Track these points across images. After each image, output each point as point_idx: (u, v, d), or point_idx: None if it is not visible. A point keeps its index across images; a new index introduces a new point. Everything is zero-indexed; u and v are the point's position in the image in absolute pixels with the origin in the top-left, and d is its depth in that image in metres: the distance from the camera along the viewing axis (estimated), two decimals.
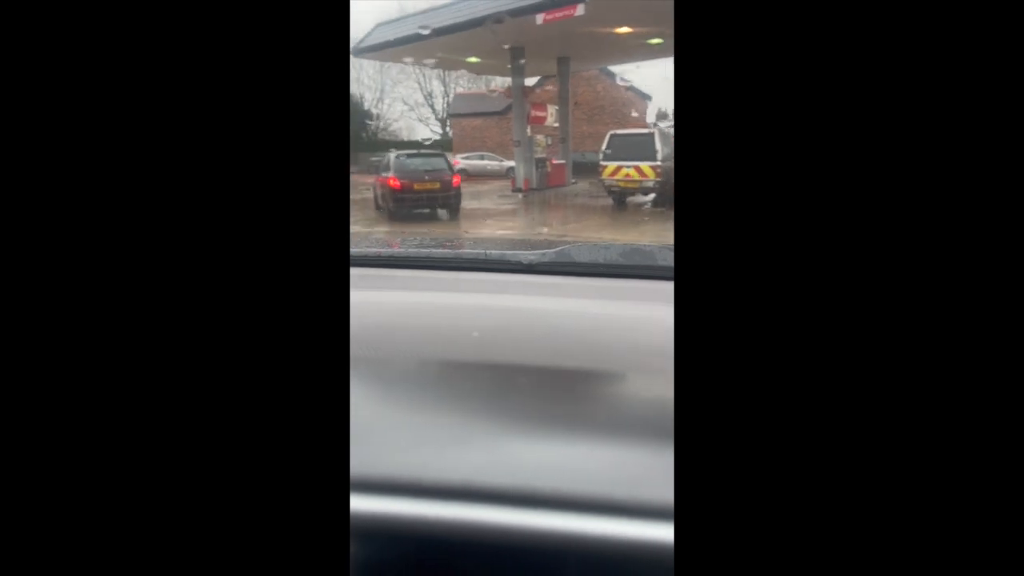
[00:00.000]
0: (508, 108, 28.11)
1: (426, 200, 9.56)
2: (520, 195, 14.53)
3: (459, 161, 25.19)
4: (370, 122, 42.05)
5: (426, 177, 9.50)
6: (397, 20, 13.61)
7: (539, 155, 15.19)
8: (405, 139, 41.11)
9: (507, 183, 17.44)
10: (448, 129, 37.28)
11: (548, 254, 0.98)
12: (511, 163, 16.55)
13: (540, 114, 15.70)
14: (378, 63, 44.46)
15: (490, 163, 24.61)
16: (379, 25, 14.08)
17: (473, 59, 15.34)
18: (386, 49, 14.01)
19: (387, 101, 44.10)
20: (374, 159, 34.10)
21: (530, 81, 15.96)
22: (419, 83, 45.39)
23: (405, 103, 46.03)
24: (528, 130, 14.82)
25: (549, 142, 15.89)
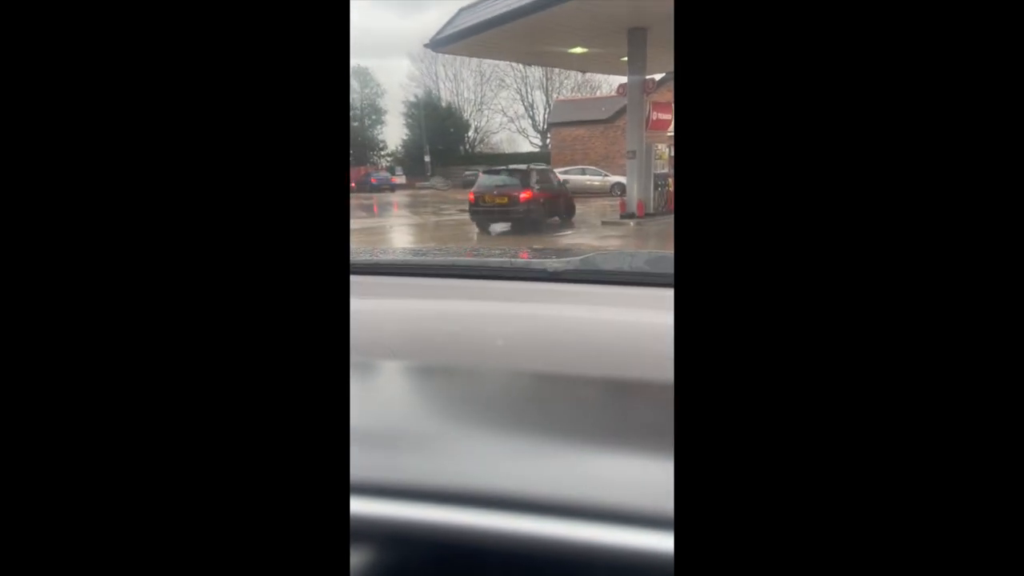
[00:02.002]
0: (618, 114, 24.98)
1: (496, 213, 10.54)
2: (632, 223, 11.22)
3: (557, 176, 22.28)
4: (468, 135, 40.56)
5: (495, 192, 10.50)
6: (484, 1, 10.84)
7: (659, 170, 11.82)
8: (507, 151, 39.29)
9: (613, 204, 14.21)
10: (548, 140, 34.64)
11: (572, 261, 0.98)
12: (618, 178, 13.24)
13: (664, 117, 12.39)
14: (479, 73, 43.05)
15: (592, 178, 21.34)
16: (462, 10, 11.42)
17: (579, 49, 12.33)
18: (469, 39, 11.32)
19: (486, 112, 42.26)
20: (467, 174, 32.06)
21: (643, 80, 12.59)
22: (520, 93, 43.47)
23: (505, 114, 44.13)
24: (645, 138, 11.53)
25: (672, 153, 12.46)
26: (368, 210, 18.25)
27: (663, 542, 0.35)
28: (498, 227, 10.80)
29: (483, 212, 10.55)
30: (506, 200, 10.33)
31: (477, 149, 40.43)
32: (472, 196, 10.82)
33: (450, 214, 15.65)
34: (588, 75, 38.94)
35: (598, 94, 30.61)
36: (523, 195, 10.30)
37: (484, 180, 10.97)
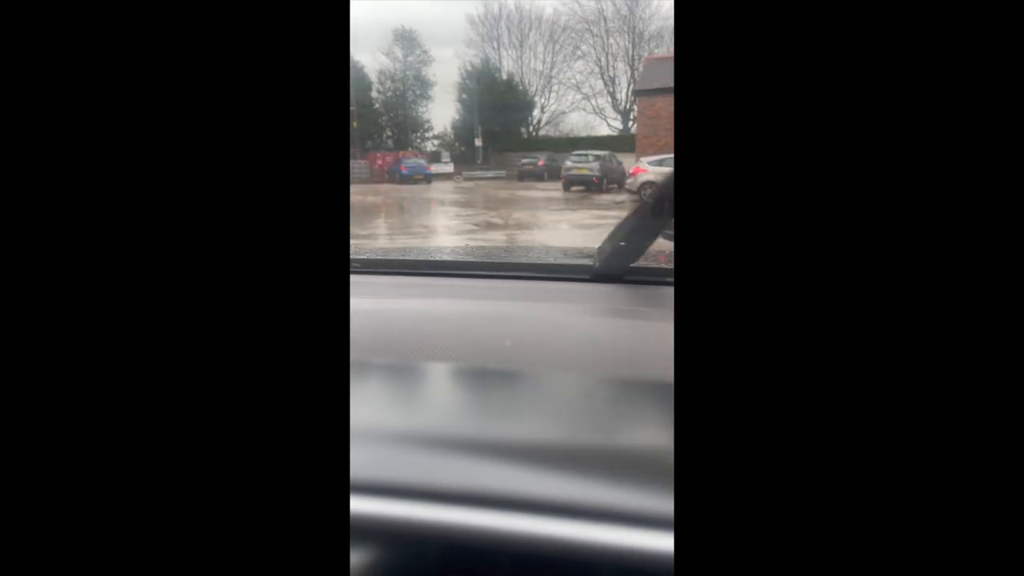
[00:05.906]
0: None
1: None
2: None
3: (643, 168, 14.90)
4: (532, 115, 33.50)
5: None
6: None
7: None
8: (580, 134, 31.96)
9: None
10: (631, 120, 26.98)
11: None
12: None
13: None
14: (549, 38, 35.67)
15: None
16: None
17: None
18: None
19: (555, 88, 34.86)
20: (525, 162, 24.49)
21: None
22: (599, 64, 35.84)
23: (579, 90, 36.54)
24: None
25: None
26: (367, 214, 11.66)
27: (664, 542, 0.36)
28: None
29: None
30: None
31: (542, 132, 33.26)
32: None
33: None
34: None
35: None
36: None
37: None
